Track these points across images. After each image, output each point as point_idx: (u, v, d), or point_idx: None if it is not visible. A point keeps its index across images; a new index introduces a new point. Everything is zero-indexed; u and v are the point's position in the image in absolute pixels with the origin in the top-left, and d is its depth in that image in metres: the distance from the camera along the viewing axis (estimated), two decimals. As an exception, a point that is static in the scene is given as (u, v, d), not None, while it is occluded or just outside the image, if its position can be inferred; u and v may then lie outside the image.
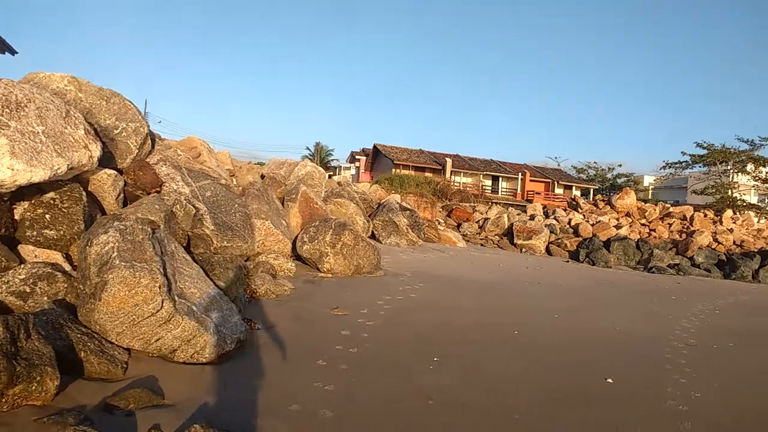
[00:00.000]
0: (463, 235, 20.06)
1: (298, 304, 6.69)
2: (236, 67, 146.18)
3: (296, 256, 9.48)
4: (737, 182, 46.66)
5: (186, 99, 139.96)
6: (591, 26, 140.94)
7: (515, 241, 19.35)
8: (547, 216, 22.94)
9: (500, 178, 62.27)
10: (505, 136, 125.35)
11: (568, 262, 17.57)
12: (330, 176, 64.57)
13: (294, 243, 9.52)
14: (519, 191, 60.21)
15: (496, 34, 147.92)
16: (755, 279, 18.17)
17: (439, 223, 20.56)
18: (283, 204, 10.57)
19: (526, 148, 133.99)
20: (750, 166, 46.46)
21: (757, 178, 46.70)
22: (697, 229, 21.94)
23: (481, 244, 19.40)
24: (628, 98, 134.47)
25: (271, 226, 9.06)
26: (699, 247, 19.69)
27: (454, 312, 7.28)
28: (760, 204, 47.39)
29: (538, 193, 58.10)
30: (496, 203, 37.82)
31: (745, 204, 44.39)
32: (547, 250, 19.26)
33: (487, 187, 60.63)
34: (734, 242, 21.72)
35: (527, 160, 67.00)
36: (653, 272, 17.56)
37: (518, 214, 22.06)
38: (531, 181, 61.42)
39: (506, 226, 20.53)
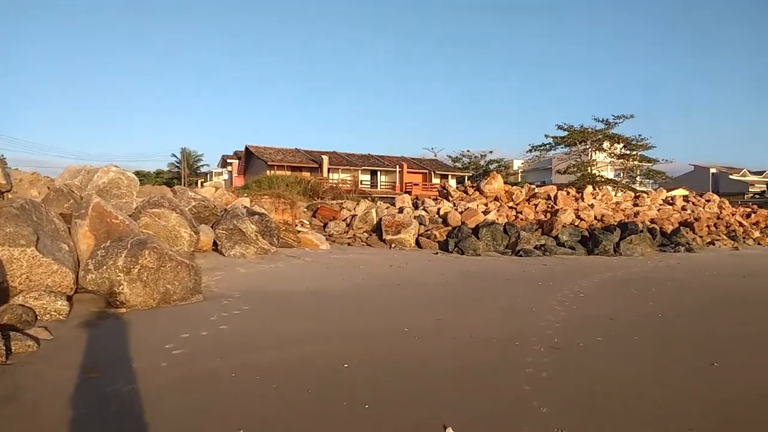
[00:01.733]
0: (329, 235, 18.56)
1: (35, 370, 4.72)
2: (84, 67, 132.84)
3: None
4: (596, 160, 49.66)
5: (19, 107, 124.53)
6: (459, 15, 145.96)
7: (384, 237, 18.19)
8: (416, 207, 22.11)
9: (379, 172, 61.92)
10: (383, 131, 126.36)
11: (437, 254, 16.68)
12: (200, 183, 60.46)
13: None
14: (398, 184, 60.18)
15: (370, 31, 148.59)
16: (616, 252, 18.46)
17: (302, 225, 18.89)
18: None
19: (406, 142, 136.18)
20: (606, 144, 49.66)
21: (612, 154, 50.04)
22: (561, 208, 22.21)
23: (348, 243, 18.03)
24: (497, 86, 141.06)
25: (38, 254, 6.89)
26: (563, 226, 19.77)
27: (273, 348, 5.65)
28: (616, 179, 50.83)
29: (416, 184, 58.40)
30: (373, 198, 36.91)
31: (603, 179, 47.38)
32: (417, 243, 18.31)
33: (366, 182, 60.01)
34: (595, 217, 22.24)
35: (406, 153, 67.19)
36: (521, 255, 17.19)
37: (387, 208, 20.99)
38: (409, 172, 61.66)
39: (375, 222, 19.33)
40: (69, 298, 7.33)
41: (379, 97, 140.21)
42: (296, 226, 18.19)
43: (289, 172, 48.06)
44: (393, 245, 17.85)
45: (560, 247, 18.23)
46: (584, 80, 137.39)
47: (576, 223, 21.13)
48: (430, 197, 26.62)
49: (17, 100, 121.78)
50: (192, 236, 10.02)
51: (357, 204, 20.97)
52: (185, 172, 62.65)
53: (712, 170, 76.21)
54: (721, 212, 29.28)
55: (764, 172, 75.42)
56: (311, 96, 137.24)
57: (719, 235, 25.30)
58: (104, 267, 7.20)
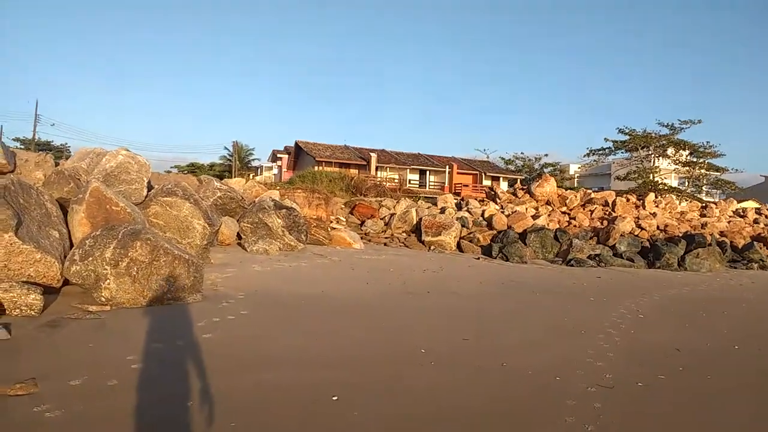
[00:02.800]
0: (365, 233, 17.58)
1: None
2: (145, 65, 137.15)
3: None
4: (658, 166, 46.75)
5: (88, 100, 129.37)
6: (505, 19, 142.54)
7: (423, 238, 17.06)
8: (460, 208, 20.82)
9: (428, 172, 60.59)
10: (433, 131, 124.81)
11: (479, 258, 15.41)
12: (252, 176, 61.16)
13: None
14: (447, 184, 58.66)
15: (420, 26, 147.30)
16: (681, 266, 16.68)
17: (338, 221, 18.00)
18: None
19: (455, 143, 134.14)
20: (670, 150, 46.66)
21: (677, 161, 46.99)
22: (620, 215, 20.44)
23: (385, 243, 16.99)
24: (552, 89, 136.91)
25: (17, 241, 6.17)
26: (621, 235, 18.08)
27: (252, 369, 4.65)
28: (680, 187, 47.73)
29: (466, 186, 56.74)
30: (418, 198, 35.81)
31: (666, 187, 44.47)
32: (459, 246, 17.08)
33: (414, 182, 58.88)
34: (658, 227, 20.36)
35: (456, 153, 65.68)
36: (572, 265, 15.70)
37: (428, 208, 19.81)
38: (458, 173, 60.04)
39: (414, 222, 18.23)
40: (55, 290, 6.63)
41: (432, 96, 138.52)
42: (331, 222, 17.30)
43: (337, 169, 47.48)
44: (432, 247, 16.69)
45: (617, 258, 16.60)
46: (649, 81, 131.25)
47: (636, 233, 19.34)
48: (473, 198, 25.26)
49: (83, 93, 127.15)
50: (206, 228, 9.21)
51: (397, 202, 19.90)
52: (236, 165, 63.09)
53: (785, 181, 70.99)
54: (800, 227, 26.54)
55: (844, 184, 69.62)
56: (364, 93, 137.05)
57: (798, 252, 22.81)
58: (90, 258, 6.41)
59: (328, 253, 13.00)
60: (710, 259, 17.41)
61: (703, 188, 49.69)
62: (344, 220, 18.50)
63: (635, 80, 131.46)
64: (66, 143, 70.21)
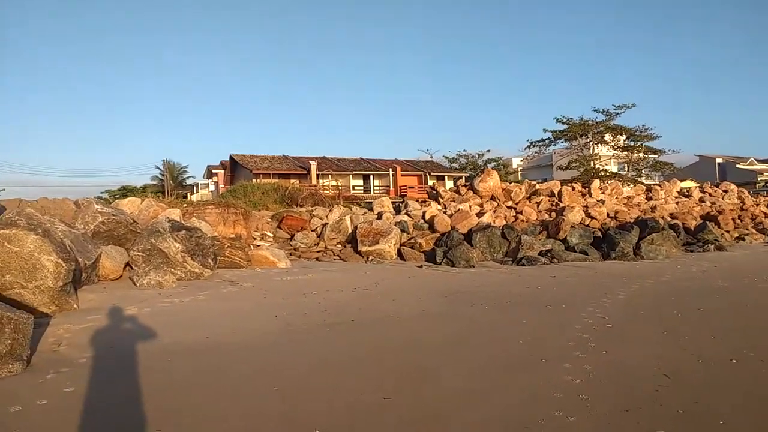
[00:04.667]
0: (295, 248, 15.67)
1: None
2: (54, 77, 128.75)
3: None
4: (598, 153, 46.78)
5: None
6: (434, 16, 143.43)
7: (359, 249, 15.30)
8: (398, 211, 19.16)
9: (371, 176, 59.08)
10: (375, 135, 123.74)
11: (421, 267, 13.77)
12: (187, 195, 57.83)
13: None
14: (392, 187, 57.30)
15: (352, 25, 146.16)
16: (637, 255, 15.55)
17: (263, 238, 16.01)
18: None
19: (400, 144, 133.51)
20: (608, 136, 46.74)
21: (615, 147, 47.11)
22: (567, 205, 19.30)
23: (317, 258, 15.13)
24: (489, 85, 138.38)
25: None
26: (572, 226, 16.86)
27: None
28: (621, 172, 47.93)
29: (411, 187, 55.49)
30: (362, 203, 34.06)
31: (608, 174, 44.44)
32: (400, 254, 15.41)
33: (358, 187, 57.26)
34: (608, 214, 19.31)
35: (401, 155, 64.49)
36: (523, 264, 14.27)
37: (363, 214, 18.05)
38: (403, 175, 58.83)
39: (350, 231, 16.44)
40: None
41: (370, 99, 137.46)
42: (254, 240, 15.31)
43: (275, 180, 45.20)
44: (370, 258, 14.95)
45: (570, 252, 15.32)
46: (580, 71, 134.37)
47: (586, 222, 18.21)
48: (419, 200, 23.72)
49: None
50: (60, 265, 7.12)
51: (330, 211, 18.06)
52: (169, 185, 59.70)
53: (719, 160, 73.32)
54: (744, 203, 26.34)
55: (772, 159, 72.60)
56: (300, 101, 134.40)
57: (747, 229, 22.35)
58: None
59: (242, 277, 11.04)
60: (666, 245, 16.41)
61: (643, 171, 50.14)
62: (271, 235, 16.53)
63: (570, 68, 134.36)
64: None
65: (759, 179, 64.95)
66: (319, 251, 15.60)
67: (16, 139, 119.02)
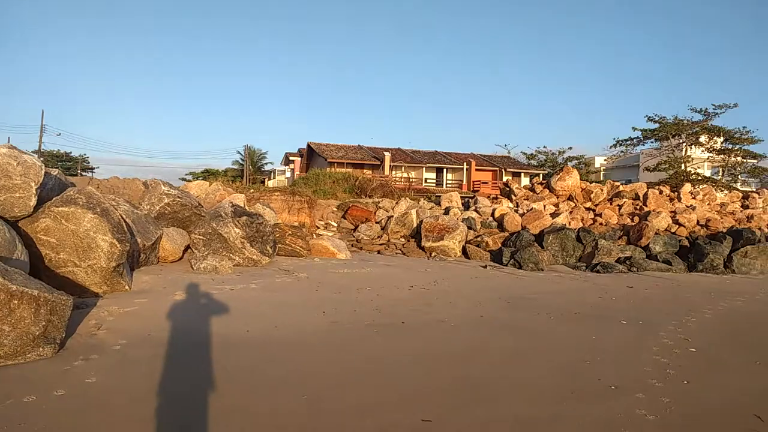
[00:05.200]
0: (357, 240, 15.38)
1: None
2: (150, 68, 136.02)
3: None
4: (690, 156, 43.51)
5: (91, 106, 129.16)
6: (521, 13, 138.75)
7: (423, 244, 14.79)
8: (467, 207, 18.42)
9: (445, 170, 58.17)
10: (452, 128, 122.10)
11: (486, 267, 13.08)
12: (265, 181, 59.42)
13: None
14: (465, 182, 56.18)
15: (435, 29, 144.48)
16: (727, 268, 14.09)
17: (327, 227, 15.85)
18: None
19: (475, 138, 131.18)
20: (704, 138, 43.33)
21: (711, 149, 43.66)
22: (653, 210, 17.83)
23: (378, 251, 14.76)
24: (573, 80, 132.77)
25: None
26: (656, 233, 15.53)
27: None
28: (714, 177, 44.39)
29: (485, 183, 54.17)
30: (430, 197, 33.53)
31: (700, 178, 41.29)
32: (464, 252, 14.76)
33: (431, 180, 56.58)
34: (698, 222, 17.69)
35: (477, 149, 63.12)
36: (598, 271, 13.26)
37: (430, 208, 17.48)
38: (477, 170, 57.50)
39: (415, 225, 15.96)
40: None
41: (449, 93, 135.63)
42: (317, 229, 15.16)
43: (350, 170, 45.40)
44: (433, 254, 14.41)
45: (652, 261, 14.09)
46: (680, 67, 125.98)
47: (673, 230, 16.74)
48: (490, 196, 22.84)
49: (85, 99, 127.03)
50: (114, 246, 7.11)
51: (396, 203, 17.63)
52: (248, 170, 61.55)
53: (825, 166, 66.43)
54: None
55: None
56: (380, 94, 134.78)
57: None
58: None
59: (299, 267, 10.83)
60: (761, 258, 14.78)
61: (739, 177, 46.23)
62: (335, 225, 16.35)
63: (664, 67, 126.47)
64: (85, 154, 69.80)
65: None
66: (381, 244, 15.23)
67: (119, 123, 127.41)
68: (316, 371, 4.83)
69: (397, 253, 14.76)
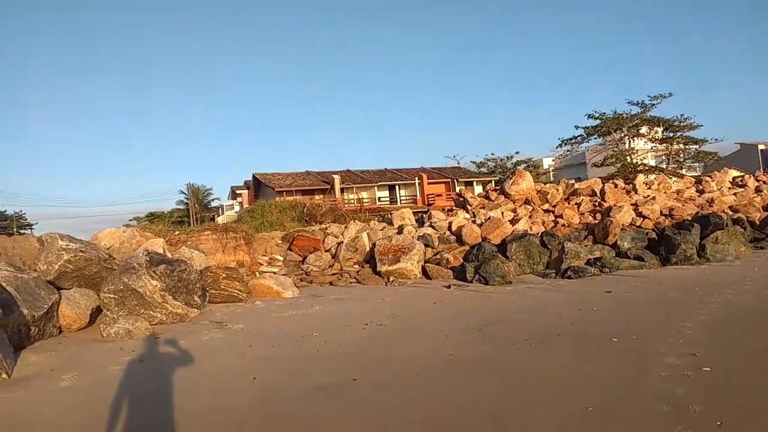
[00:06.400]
0: (306, 273, 13.93)
1: None
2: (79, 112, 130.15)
3: None
4: (634, 147, 44.04)
5: (23, 161, 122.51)
6: (448, 14, 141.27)
7: (379, 269, 13.47)
8: (421, 224, 17.23)
9: (397, 187, 57.31)
10: (400, 145, 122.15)
11: (449, 287, 11.85)
12: (214, 218, 57.00)
13: None
14: (419, 197, 55.44)
15: (371, 43, 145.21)
16: (701, 257, 13.31)
17: (270, 263, 14.33)
18: None
19: (426, 152, 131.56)
20: (644, 129, 44.00)
21: (653, 139, 44.35)
22: (614, 204, 17.10)
23: (330, 283, 13.35)
24: (514, 84, 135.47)
25: None
26: (622, 228, 14.70)
27: None
28: (661, 166, 45.05)
29: (439, 195, 53.57)
30: (384, 216, 32.37)
31: (647, 168, 41.72)
32: (424, 272, 13.51)
33: (384, 199, 55.59)
34: (662, 212, 17.04)
35: (426, 163, 62.60)
36: (569, 277, 12.24)
37: (382, 229, 16.19)
38: (429, 183, 56.92)
39: (368, 249, 14.64)
40: None
41: (393, 108, 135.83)
42: (260, 266, 13.64)
43: (300, 197, 43.81)
44: (391, 279, 13.09)
45: (623, 259, 13.17)
46: (614, 62, 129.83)
47: (638, 223, 15.98)
48: (445, 209, 21.77)
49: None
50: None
51: (345, 227, 16.28)
52: (193, 208, 59.05)
53: (761, 147, 69.03)
54: (809, 191, 23.55)
55: (818, 144, 68.22)
56: (322, 116, 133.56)
57: (820, 220, 19.72)
58: None
59: (235, 316, 9.31)
60: (733, 243, 14.13)
61: (685, 163, 47.13)
62: (281, 259, 14.85)
63: (598, 63, 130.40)
64: (21, 211, 65.74)
65: (806, 164, 60.80)
66: (333, 274, 13.82)
67: (52, 175, 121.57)
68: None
69: (351, 282, 13.38)
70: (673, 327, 7.03)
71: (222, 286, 10.52)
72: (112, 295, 8.62)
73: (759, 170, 33.52)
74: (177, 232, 13.65)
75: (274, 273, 12.91)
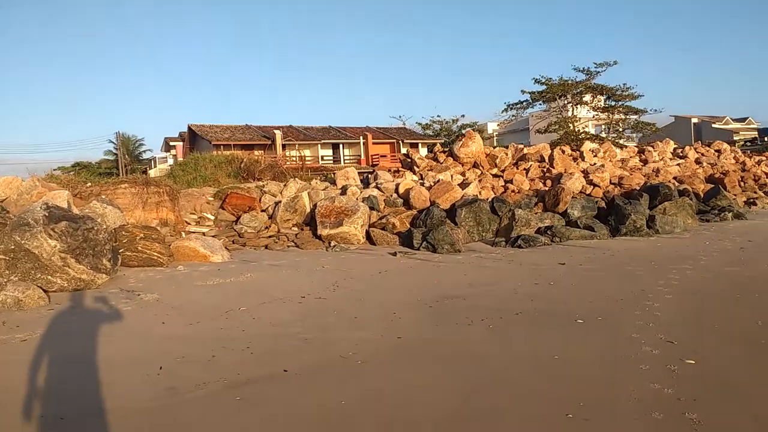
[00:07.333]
0: (239, 234, 12.73)
1: None
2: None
3: None
4: (576, 115, 44.28)
5: None
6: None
7: (319, 232, 12.46)
8: (366, 184, 16.22)
9: (341, 146, 55.77)
10: (345, 102, 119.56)
11: (395, 254, 11.01)
12: (143, 171, 54.00)
13: None
14: (363, 157, 54.16)
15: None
16: (651, 229, 13.02)
17: (199, 222, 13.02)
18: None
19: (371, 112, 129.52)
20: (588, 97, 44.21)
21: (595, 108, 44.66)
22: (565, 172, 16.66)
23: (266, 246, 12.23)
24: (464, 44, 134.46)
25: None
26: (572, 196, 14.24)
27: None
28: (601, 135, 45.64)
29: (384, 156, 52.45)
30: (327, 175, 31.13)
31: (588, 136, 42.09)
32: (369, 237, 12.61)
33: (327, 157, 54.05)
34: (611, 181, 16.76)
35: (372, 123, 61.12)
36: (520, 246, 11.65)
37: (324, 189, 15.08)
38: (374, 143, 55.66)
39: (308, 210, 13.55)
40: None
41: (340, 64, 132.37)
42: (187, 225, 12.32)
43: (238, 152, 41.62)
44: (332, 243, 12.10)
45: (573, 229, 12.69)
46: (562, 28, 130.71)
47: (588, 191, 15.59)
48: (392, 170, 20.82)
49: None
50: None
51: (285, 186, 15.07)
52: (122, 159, 55.40)
53: (694, 120, 71.74)
54: (744, 164, 24.15)
55: (747, 118, 71.75)
56: (265, 67, 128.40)
57: (755, 192, 20.18)
58: None
59: (152, 283, 8.11)
60: (681, 214, 13.95)
61: (623, 133, 47.96)
62: (212, 218, 13.54)
63: (547, 29, 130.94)
64: None
65: (735, 138, 63.62)
66: (270, 236, 12.69)
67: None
68: None
69: (289, 246, 12.31)
70: (638, 306, 6.45)
71: (139, 248, 9.23)
72: (1, 256, 7.22)
73: (696, 143, 34.31)
74: (89, 183, 12.00)
75: (203, 234, 11.66)
